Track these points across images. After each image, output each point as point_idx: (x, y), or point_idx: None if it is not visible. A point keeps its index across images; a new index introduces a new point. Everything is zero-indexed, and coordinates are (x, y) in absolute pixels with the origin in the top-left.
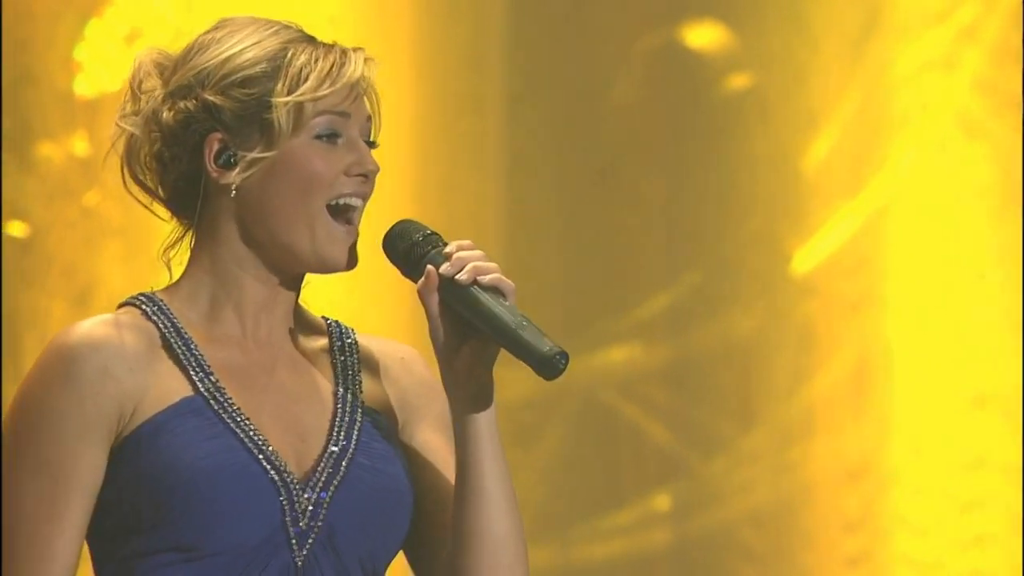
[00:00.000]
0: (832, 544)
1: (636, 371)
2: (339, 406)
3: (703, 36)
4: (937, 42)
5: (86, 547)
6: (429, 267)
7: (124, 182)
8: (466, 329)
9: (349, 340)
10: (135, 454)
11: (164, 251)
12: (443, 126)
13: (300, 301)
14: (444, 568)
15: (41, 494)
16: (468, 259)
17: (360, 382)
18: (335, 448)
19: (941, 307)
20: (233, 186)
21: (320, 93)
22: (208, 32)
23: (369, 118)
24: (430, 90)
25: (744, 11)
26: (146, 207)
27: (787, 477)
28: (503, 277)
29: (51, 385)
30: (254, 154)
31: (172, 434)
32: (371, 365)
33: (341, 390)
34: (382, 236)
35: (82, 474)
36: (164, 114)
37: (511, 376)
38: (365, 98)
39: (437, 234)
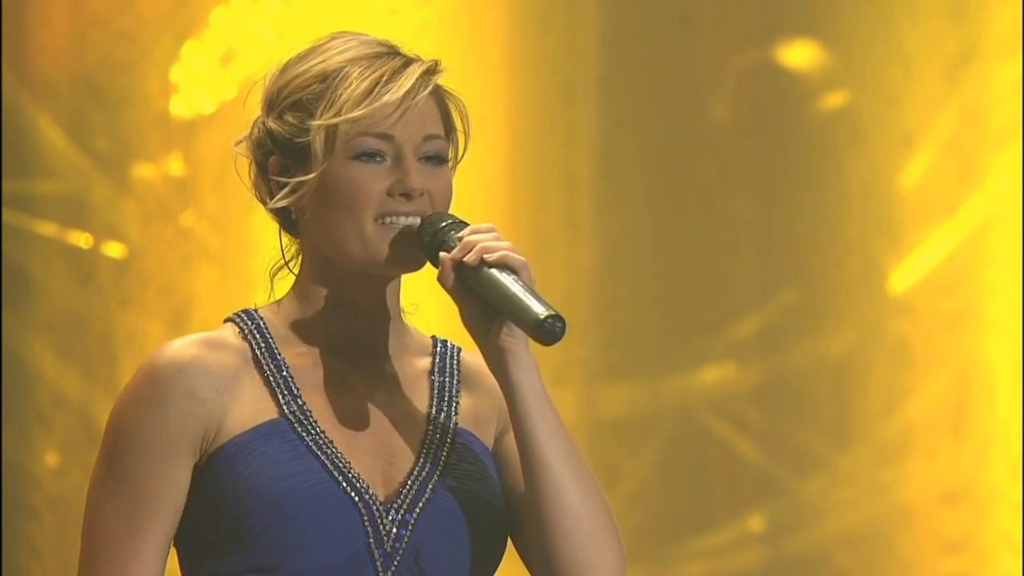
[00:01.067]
0: (930, 565)
1: (730, 390)
2: (430, 428)
3: (798, 55)
4: None
5: (177, 565)
6: (442, 254)
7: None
8: (491, 308)
9: (452, 360)
10: (216, 474)
11: (271, 271)
12: (535, 146)
13: (409, 320)
14: (539, 554)
15: (123, 511)
16: (475, 241)
17: (458, 403)
18: (421, 470)
19: None
20: (292, 210)
21: (352, 115)
22: (300, 51)
23: (430, 136)
24: (522, 110)
25: (839, 30)
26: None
27: (883, 497)
28: (511, 254)
29: (138, 406)
30: (296, 178)
31: (252, 456)
32: (471, 382)
33: (435, 412)
34: None
35: (165, 493)
36: (250, 139)
37: (604, 395)
38: (432, 112)
39: (462, 222)
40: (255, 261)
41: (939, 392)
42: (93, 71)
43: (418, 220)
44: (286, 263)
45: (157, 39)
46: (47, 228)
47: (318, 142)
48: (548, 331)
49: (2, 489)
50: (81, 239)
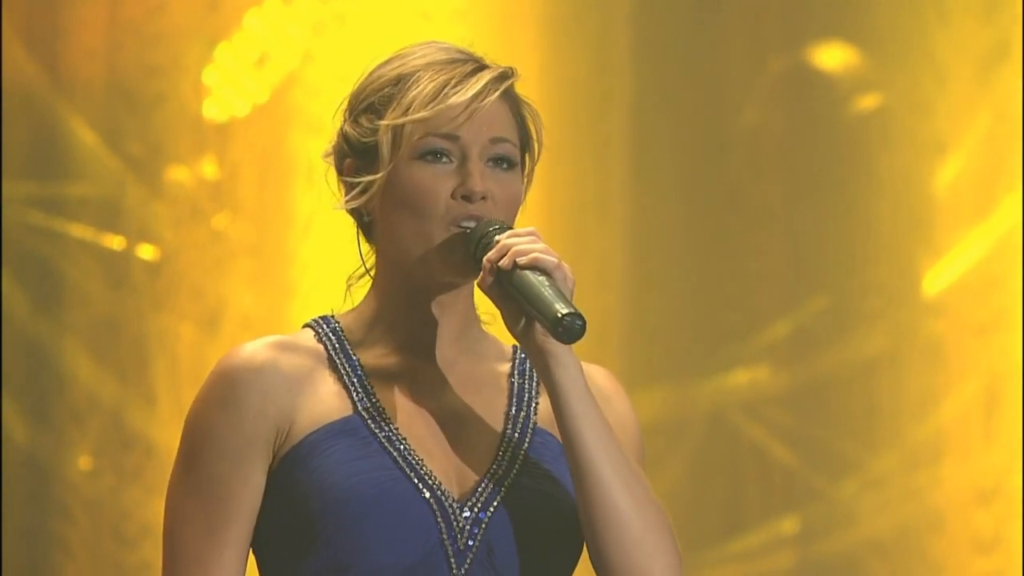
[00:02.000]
0: (963, 566)
1: (762, 393)
2: (508, 427)
3: (831, 58)
4: None
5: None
6: (484, 260)
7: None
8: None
9: (530, 364)
10: (290, 473)
11: (348, 280)
12: (568, 151)
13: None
14: (593, 558)
15: (201, 513)
16: (511, 244)
17: (537, 403)
18: (498, 468)
19: None
20: (364, 212)
21: (418, 115)
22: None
23: (497, 139)
24: (555, 112)
25: (872, 33)
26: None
27: (916, 500)
28: (543, 256)
29: (213, 408)
30: (365, 178)
31: (324, 454)
32: None
33: (513, 411)
34: None
35: (242, 494)
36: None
37: (636, 398)
38: (501, 118)
39: (506, 227)
40: (288, 263)
41: (971, 395)
42: (126, 74)
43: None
44: (367, 271)
45: (190, 42)
46: (80, 231)
47: (385, 142)
48: (567, 328)
49: (36, 490)
50: (114, 242)
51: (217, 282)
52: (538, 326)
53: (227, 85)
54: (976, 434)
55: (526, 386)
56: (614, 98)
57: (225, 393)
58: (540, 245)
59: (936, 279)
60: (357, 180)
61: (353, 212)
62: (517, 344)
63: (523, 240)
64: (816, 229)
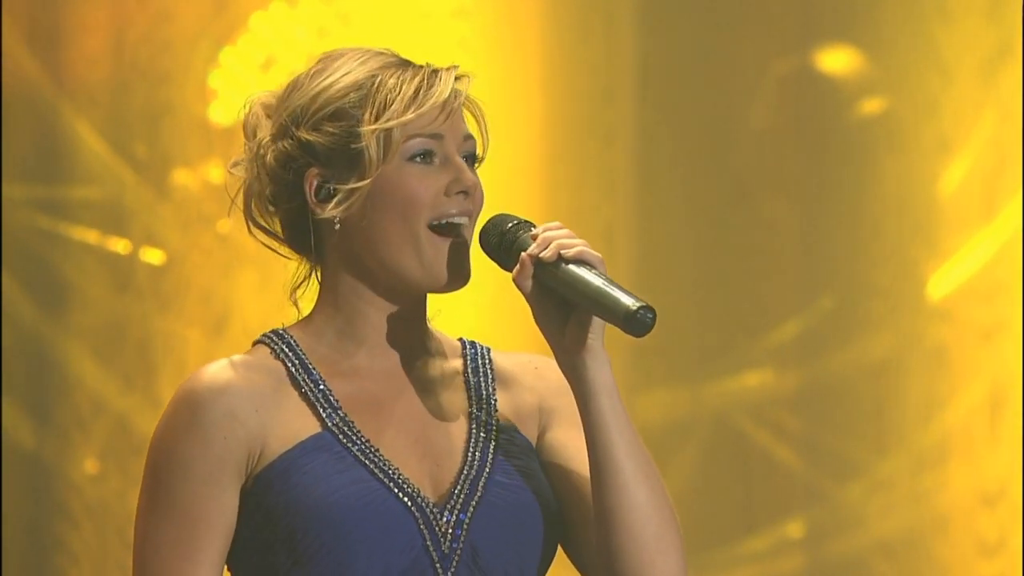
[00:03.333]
0: (968, 570)
1: (769, 396)
2: (473, 427)
3: (836, 61)
4: None
5: None
6: (522, 254)
7: (248, 228)
8: (566, 306)
9: (484, 360)
10: (266, 493)
11: (291, 291)
12: (574, 152)
13: (434, 325)
14: (596, 554)
15: (173, 538)
16: (552, 238)
17: (495, 401)
18: (470, 469)
19: None
20: (336, 220)
21: (406, 118)
22: (306, 69)
23: (468, 136)
24: (560, 115)
25: (877, 36)
26: (272, 249)
27: (922, 503)
28: (587, 249)
29: (179, 431)
30: (349, 185)
31: (301, 472)
32: (506, 380)
33: (475, 411)
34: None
35: (213, 516)
36: (268, 157)
37: (643, 401)
38: (464, 115)
39: (528, 221)
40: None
41: (975, 398)
42: (132, 78)
43: (466, 219)
44: (310, 273)
45: (196, 46)
46: (86, 234)
47: (372, 147)
48: (640, 322)
49: (39, 494)
50: (120, 245)
51: (223, 286)
52: (574, 322)
53: (233, 88)
54: (981, 438)
55: (482, 383)
56: (618, 100)
57: (191, 417)
58: (580, 239)
59: (941, 283)
60: (338, 187)
61: (294, 227)
62: (464, 337)
63: (561, 233)
64: (821, 232)
